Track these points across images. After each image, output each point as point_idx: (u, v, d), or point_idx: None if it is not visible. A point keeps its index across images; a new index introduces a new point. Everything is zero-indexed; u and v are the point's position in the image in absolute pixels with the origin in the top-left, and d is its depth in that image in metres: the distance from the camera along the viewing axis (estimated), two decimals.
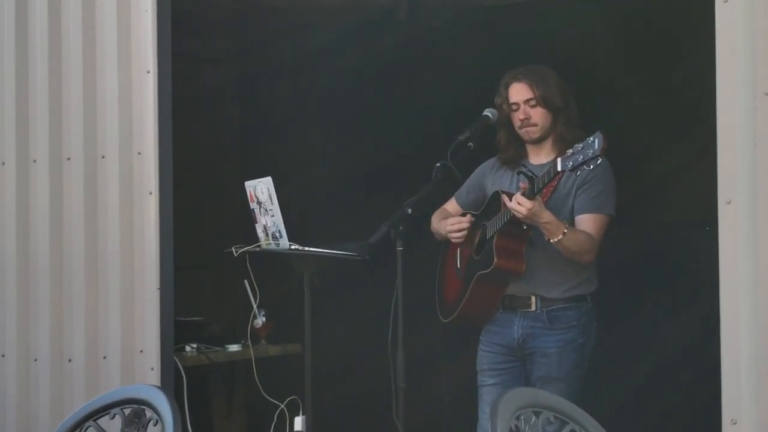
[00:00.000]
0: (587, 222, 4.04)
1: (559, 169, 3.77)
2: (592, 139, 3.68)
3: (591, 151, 3.65)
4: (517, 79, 4.12)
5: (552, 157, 4.05)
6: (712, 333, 3.58)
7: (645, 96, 5.52)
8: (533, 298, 4.10)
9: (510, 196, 3.97)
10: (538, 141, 4.14)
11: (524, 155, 4.19)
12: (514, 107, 4.12)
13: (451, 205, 4.38)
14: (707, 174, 3.59)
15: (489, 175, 4.26)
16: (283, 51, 5.86)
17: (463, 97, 4.45)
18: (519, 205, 3.84)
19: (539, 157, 4.15)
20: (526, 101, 4.09)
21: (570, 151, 3.75)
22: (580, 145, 3.71)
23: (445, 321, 4.28)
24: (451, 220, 4.23)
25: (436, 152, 4.09)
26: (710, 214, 3.58)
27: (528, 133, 4.13)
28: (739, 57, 3.52)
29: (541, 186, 3.86)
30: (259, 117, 6.20)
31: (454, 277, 4.27)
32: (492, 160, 4.28)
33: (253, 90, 6.22)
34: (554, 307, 4.09)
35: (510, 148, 4.18)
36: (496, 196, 4.10)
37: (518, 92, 4.11)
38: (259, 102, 6.19)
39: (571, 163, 3.72)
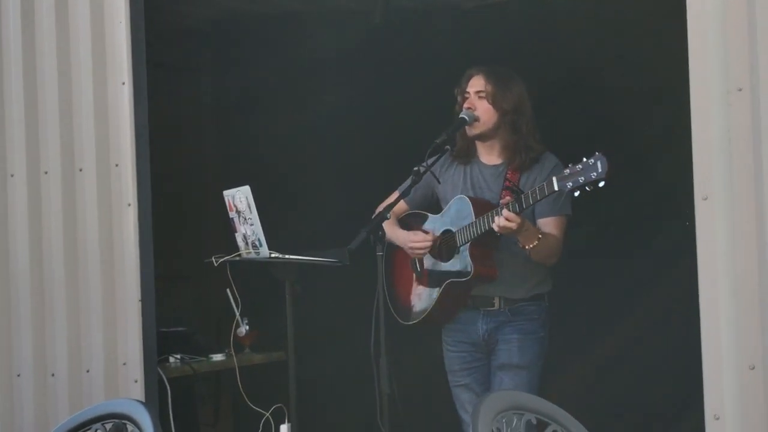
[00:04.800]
0: (551, 225, 4.06)
1: (555, 188, 3.77)
2: (593, 161, 3.68)
3: (594, 174, 3.67)
4: (477, 72, 4.16)
5: (501, 160, 4.12)
6: (693, 329, 3.58)
7: (620, 92, 5.50)
8: (497, 299, 4.14)
9: (479, 204, 4.00)
10: (482, 138, 4.15)
11: (475, 152, 4.21)
12: (466, 96, 4.15)
13: (398, 204, 4.25)
14: (685, 169, 3.61)
15: (439, 174, 4.21)
16: (260, 59, 5.84)
17: (439, 100, 4.40)
18: (508, 221, 3.84)
19: (491, 157, 4.18)
20: (477, 92, 4.13)
21: (567, 171, 3.75)
22: (580, 166, 3.72)
23: (406, 324, 4.27)
24: (415, 237, 4.20)
25: (414, 156, 4.06)
26: (689, 208, 3.60)
27: (471, 127, 4.13)
28: (711, 53, 3.54)
29: (531, 202, 3.86)
30: (237, 125, 6.17)
31: (412, 280, 4.26)
32: (441, 157, 4.20)
33: (231, 98, 6.19)
34: (516, 305, 4.14)
35: (462, 142, 4.18)
36: (462, 201, 4.11)
37: (473, 84, 4.15)
38: (236, 110, 6.16)
39: (570, 184, 3.72)
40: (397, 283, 4.32)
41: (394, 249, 4.31)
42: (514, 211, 3.84)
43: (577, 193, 3.74)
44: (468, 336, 4.19)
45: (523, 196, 3.84)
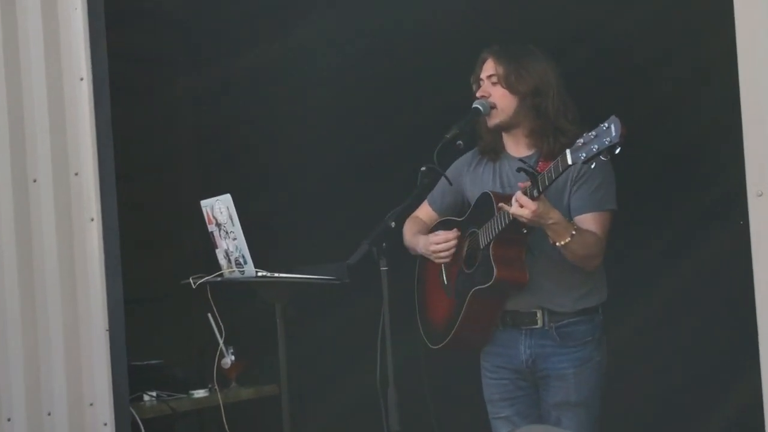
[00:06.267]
0: (590, 222, 3.80)
1: (569, 162, 3.48)
2: (606, 125, 3.40)
3: (608, 139, 3.38)
4: (489, 54, 3.93)
5: (531, 150, 3.90)
6: (747, 338, 3.41)
7: (657, 79, 5.31)
8: (539, 313, 3.86)
9: (503, 198, 3.75)
10: (505, 128, 3.90)
11: (502, 146, 3.97)
12: (481, 83, 3.94)
13: (425, 212, 4.12)
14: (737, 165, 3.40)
15: (466, 174, 4.02)
16: (244, 49, 5.70)
17: (448, 93, 4.20)
18: (521, 207, 3.58)
19: (519, 148, 3.93)
20: (489, 77, 3.90)
21: (581, 140, 3.46)
22: (593, 133, 3.43)
23: (435, 347, 4.05)
24: (435, 238, 3.97)
25: (421, 155, 3.78)
26: (743, 207, 3.39)
27: (489, 117, 3.88)
28: (762, 40, 3.30)
29: (547, 183, 3.57)
30: (218, 128, 6.08)
31: (441, 295, 4.03)
32: (468, 156, 4.02)
33: (210, 97, 6.07)
34: (564, 321, 3.86)
35: (488, 135, 3.96)
36: (485, 198, 3.85)
37: (486, 68, 3.93)
38: (216, 111, 6.07)
39: (584, 155, 3.43)
40: (428, 301, 4.10)
41: (424, 265, 4.12)
42: (531, 197, 3.56)
43: (593, 165, 3.47)
44: (509, 361, 3.92)
45: (539, 177, 3.57)
